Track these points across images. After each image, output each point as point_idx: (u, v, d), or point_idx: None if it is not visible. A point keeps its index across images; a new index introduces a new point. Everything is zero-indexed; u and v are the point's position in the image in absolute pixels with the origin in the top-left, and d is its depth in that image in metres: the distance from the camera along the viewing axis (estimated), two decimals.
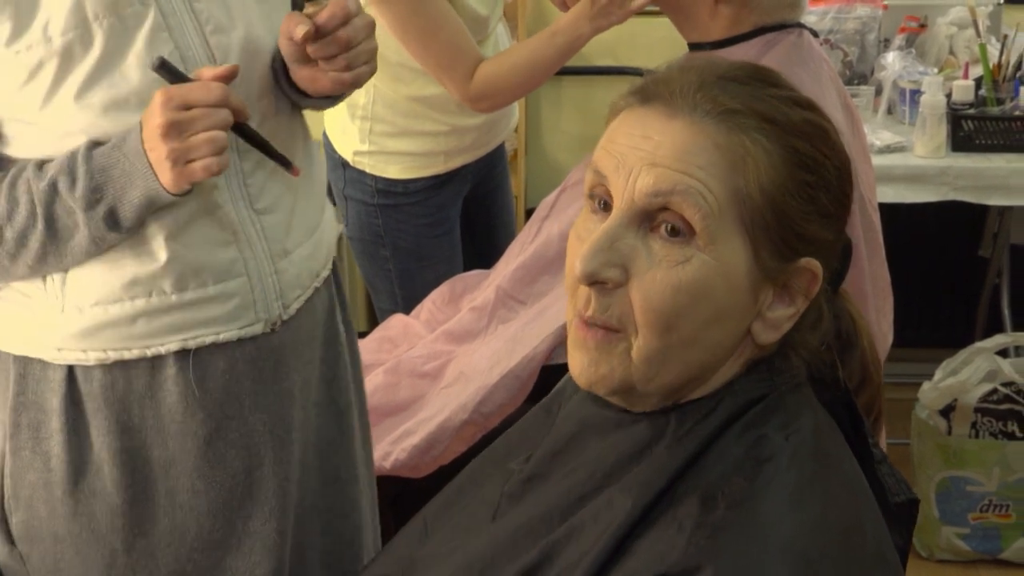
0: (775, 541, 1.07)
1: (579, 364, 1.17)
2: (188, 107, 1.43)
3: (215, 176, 1.47)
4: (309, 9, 1.52)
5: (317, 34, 1.51)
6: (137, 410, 1.60)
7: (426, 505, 1.40)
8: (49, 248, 1.50)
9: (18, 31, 1.44)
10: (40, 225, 1.48)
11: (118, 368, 1.58)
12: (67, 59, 1.46)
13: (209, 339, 1.59)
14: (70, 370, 1.58)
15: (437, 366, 2.29)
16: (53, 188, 1.47)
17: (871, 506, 1.18)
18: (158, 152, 1.43)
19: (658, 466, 1.15)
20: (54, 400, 1.59)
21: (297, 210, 1.68)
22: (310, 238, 1.70)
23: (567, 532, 1.18)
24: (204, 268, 1.57)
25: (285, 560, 1.71)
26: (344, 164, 2.73)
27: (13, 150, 1.53)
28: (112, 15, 1.46)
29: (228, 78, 1.47)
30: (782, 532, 1.08)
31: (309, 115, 1.80)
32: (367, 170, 2.70)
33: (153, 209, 1.50)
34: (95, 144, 1.49)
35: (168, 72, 1.46)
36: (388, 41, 2.48)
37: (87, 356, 1.57)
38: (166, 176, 1.45)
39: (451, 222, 2.79)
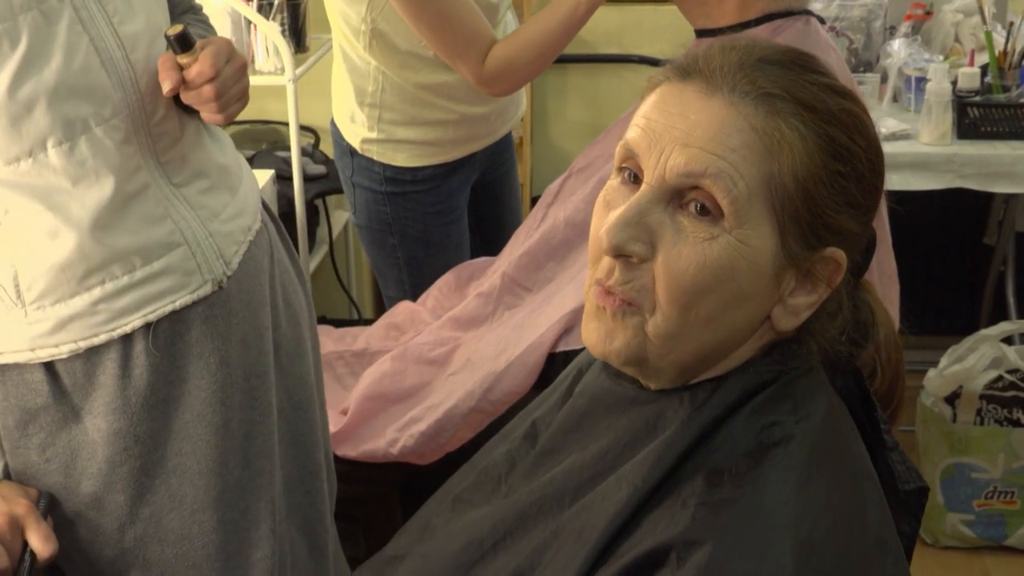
0: (778, 522, 1.07)
1: (594, 334, 1.18)
2: None
3: None
4: (183, 59, 1.59)
5: (186, 86, 1.59)
6: (118, 390, 1.63)
7: (449, 479, 1.42)
8: None
9: None
10: None
11: (92, 354, 1.62)
12: None
13: (168, 309, 1.64)
14: (49, 366, 1.62)
15: (444, 353, 2.29)
16: None
17: (875, 492, 1.18)
18: None
19: (668, 445, 1.16)
20: (39, 398, 1.62)
21: (214, 176, 1.73)
22: (234, 197, 1.75)
23: (578, 511, 1.19)
24: (146, 246, 1.62)
25: (277, 497, 1.77)
26: (352, 152, 2.72)
27: None
28: (34, 7, 1.49)
29: None
30: (785, 514, 1.08)
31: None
32: (375, 158, 2.69)
33: None
34: None
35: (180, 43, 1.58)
36: (398, 28, 2.49)
37: (60, 350, 1.60)
38: None
39: (459, 210, 2.79)
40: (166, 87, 1.58)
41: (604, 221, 1.15)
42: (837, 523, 1.10)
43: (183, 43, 1.59)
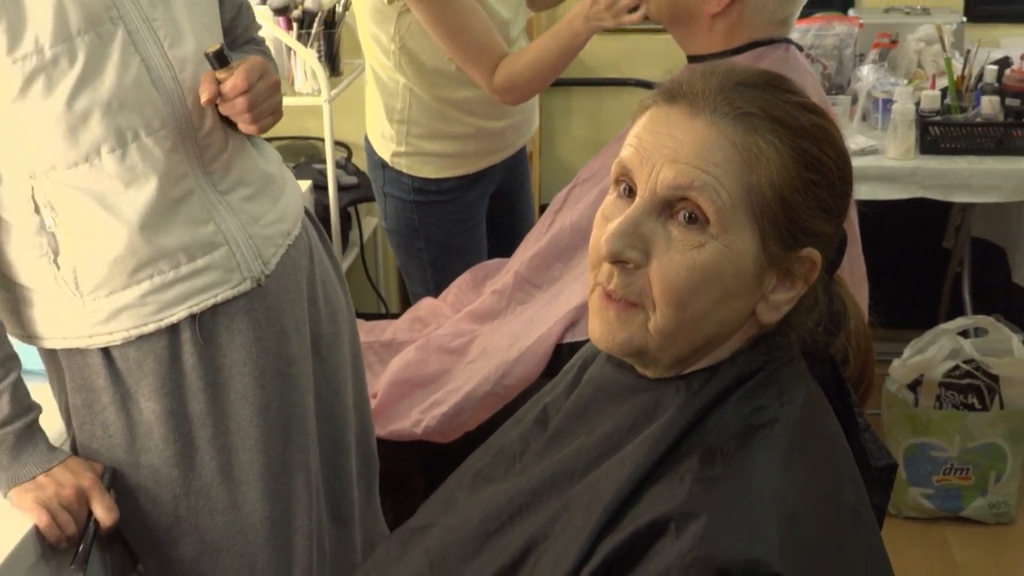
0: (765, 497, 1.07)
1: (598, 329, 1.18)
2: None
3: None
4: (220, 74, 1.59)
5: (222, 98, 1.59)
6: (167, 375, 1.64)
7: (469, 457, 1.42)
8: None
9: (14, 42, 1.46)
10: None
11: (144, 341, 1.62)
12: (56, 69, 1.48)
13: (210, 302, 1.64)
14: (106, 351, 1.62)
15: (463, 343, 2.29)
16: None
17: (851, 469, 1.19)
18: None
19: (666, 427, 1.16)
20: (99, 379, 1.63)
21: (256, 185, 1.72)
22: (275, 205, 1.75)
23: (586, 486, 1.19)
24: (190, 245, 1.62)
25: (313, 471, 1.78)
26: (383, 165, 2.72)
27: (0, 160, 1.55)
28: (91, 30, 1.50)
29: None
30: (771, 490, 1.08)
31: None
32: (404, 170, 2.69)
33: None
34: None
35: (218, 60, 1.58)
36: (423, 46, 2.49)
37: (114, 337, 1.61)
38: None
39: (478, 217, 2.79)
40: (203, 98, 1.59)
41: (603, 232, 1.16)
42: (817, 498, 1.10)
43: (220, 60, 1.60)
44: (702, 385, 1.18)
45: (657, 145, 1.14)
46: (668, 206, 1.13)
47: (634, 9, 2.20)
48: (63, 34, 1.48)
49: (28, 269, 1.59)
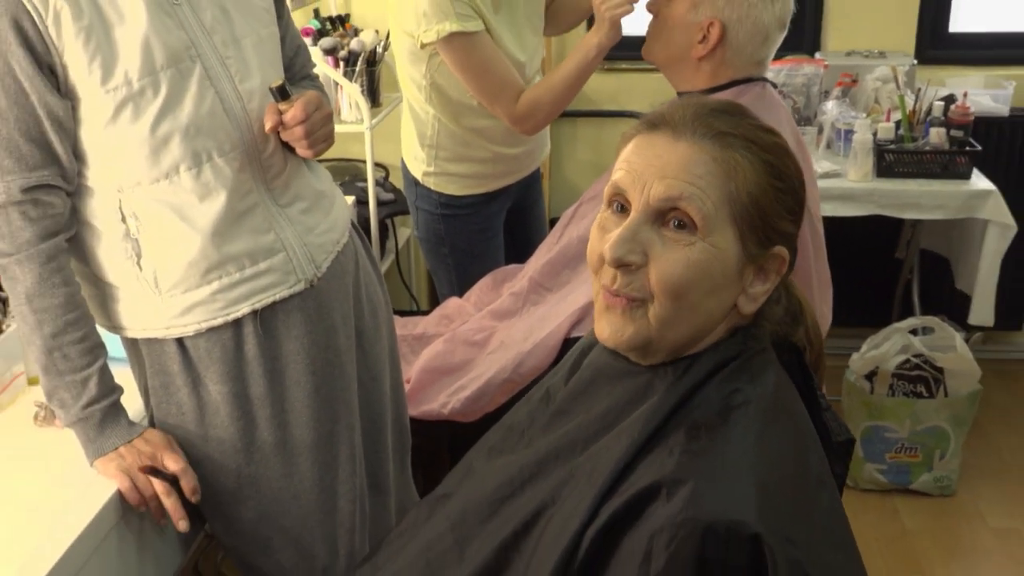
0: (743, 466, 1.08)
1: (607, 328, 1.18)
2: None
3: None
4: (282, 106, 1.60)
5: (283, 126, 1.60)
6: (233, 361, 1.64)
7: (485, 434, 1.42)
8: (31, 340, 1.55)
9: (107, 75, 1.47)
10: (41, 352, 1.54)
11: (213, 333, 1.62)
12: (143, 99, 1.49)
13: (269, 300, 1.64)
14: (180, 341, 1.62)
15: (484, 337, 2.29)
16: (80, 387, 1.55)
17: (814, 443, 1.19)
18: None
19: (657, 406, 1.16)
20: (174, 365, 1.63)
21: (311, 200, 1.72)
22: (327, 218, 1.74)
23: (588, 457, 1.19)
24: (254, 251, 1.62)
25: (356, 445, 1.78)
26: (416, 183, 2.72)
27: (93, 175, 1.55)
28: (172, 66, 1.51)
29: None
30: (748, 460, 1.08)
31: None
32: (433, 188, 2.69)
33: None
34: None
35: (280, 93, 1.59)
36: (450, 83, 2.49)
37: (187, 329, 1.61)
38: None
39: (497, 228, 2.78)
40: (267, 126, 1.59)
41: (601, 240, 1.17)
42: (787, 467, 1.11)
43: (282, 93, 1.60)
44: (687, 369, 1.18)
45: (646, 165, 1.15)
46: (660, 215, 1.14)
47: None
48: (149, 69, 1.49)
49: (115, 270, 1.59)
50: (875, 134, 3.22)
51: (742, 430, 1.11)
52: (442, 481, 1.41)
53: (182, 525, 1.60)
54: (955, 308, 3.61)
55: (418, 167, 2.70)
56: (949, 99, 3.32)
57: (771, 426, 1.13)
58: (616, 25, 2.25)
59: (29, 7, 1.42)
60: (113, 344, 1.65)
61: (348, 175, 3.65)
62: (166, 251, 1.57)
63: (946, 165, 3.18)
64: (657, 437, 1.14)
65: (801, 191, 1.20)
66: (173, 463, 1.60)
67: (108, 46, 1.47)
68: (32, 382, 1.88)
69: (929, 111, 3.26)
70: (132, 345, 1.67)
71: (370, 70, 3.37)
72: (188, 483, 1.61)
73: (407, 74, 2.57)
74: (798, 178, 1.19)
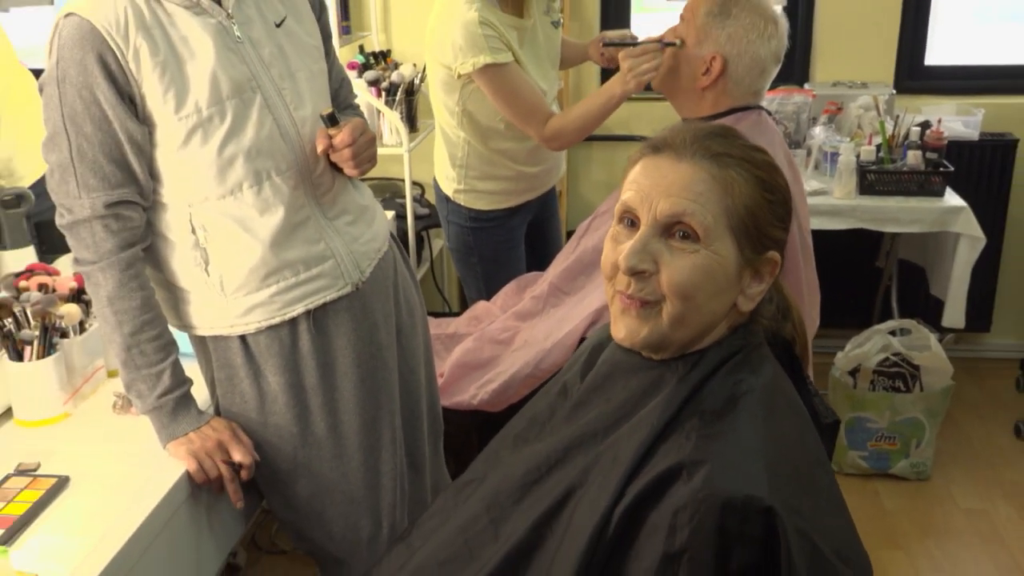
0: (752, 448, 1.08)
1: (624, 328, 1.19)
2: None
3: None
4: (331, 131, 1.61)
5: (332, 149, 1.61)
6: (289, 355, 1.64)
7: (508, 423, 1.41)
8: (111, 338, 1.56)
9: (180, 105, 1.48)
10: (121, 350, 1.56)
11: (272, 331, 1.63)
12: (211, 125, 1.50)
13: (320, 301, 1.64)
14: (242, 338, 1.63)
15: (508, 336, 2.29)
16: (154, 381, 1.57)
17: (809, 425, 1.19)
18: None
19: (670, 397, 1.16)
20: (237, 359, 1.64)
21: (355, 213, 1.72)
22: (369, 229, 1.75)
23: (610, 444, 1.19)
24: (307, 258, 1.62)
25: (397, 430, 1.78)
26: (447, 199, 2.73)
27: (166, 192, 1.56)
28: (236, 96, 1.52)
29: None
30: (754, 442, 1.09)
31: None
32: (462, 203, 2.70)
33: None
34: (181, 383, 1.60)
35: (330, 120, 1.60)
36: (480, 109, 2.51)
37: (249, 327, 1.62)
38: None
39: (518, 239, 2.79)
40: (319, 149, 1.60)
41: (615, 251, 1.18)
42: (789, 447, 1.12)
43: (332, 120, 1.61)
44: (696, 363, 1.18)
45: (653, 185, 1.16)
46: (667, 228, 1.15)
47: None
48: (216, 99, 1.50)
49: (185, 275, 1.60)
50: (858, 156, 3.21)
51: (749, 415, 1.12)
52: (469, 467, 1.40)
53: (240, 504, 1.62)
54: (930, 312, 3.60)
55: (449, 185, 2.71)
56: (925, 125, 3.31)
57: (773, 412, 1.14)
58: (642, 85, 2.25)
59: (112, 44, 1.44)
60: (182, 341, 1.66)
61: (388, 192, 3.67)
62: (231, 259, 1.58)
63: (922, 184, 3.17)
64: (673, 424, 1.14)
65: (789, 201, 1.20)
66: (241, 455, 1.61)
67: (181, 79, 1.48)
68: (111, 374, 1.90)
69: (907, 135, 3.26)
70: (200, 342, 1.68)
71: (408, 99, 3.38)
72: (248, 473, 1.63)
73: (441, 102, 2.59)
74: (786, 190, 1.20)
